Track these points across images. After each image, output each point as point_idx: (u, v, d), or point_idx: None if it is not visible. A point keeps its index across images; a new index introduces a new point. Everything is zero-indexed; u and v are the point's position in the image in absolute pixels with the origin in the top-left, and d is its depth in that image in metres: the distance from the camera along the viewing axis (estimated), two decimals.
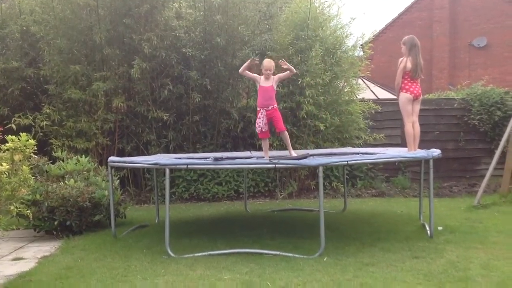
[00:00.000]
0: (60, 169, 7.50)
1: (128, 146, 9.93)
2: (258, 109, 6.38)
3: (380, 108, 10.65)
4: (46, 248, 6.12)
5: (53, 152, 8.28)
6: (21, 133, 4.32)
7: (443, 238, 5.70)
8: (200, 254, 5.24)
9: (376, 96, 17.10)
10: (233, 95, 9.78)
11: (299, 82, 9.46)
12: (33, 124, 9.28)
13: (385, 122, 11.20)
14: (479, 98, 10.93)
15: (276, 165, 5.01)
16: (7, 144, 4.23)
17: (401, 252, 5.10)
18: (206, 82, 9.50)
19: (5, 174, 3.97)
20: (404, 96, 6.52)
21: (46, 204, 6.60)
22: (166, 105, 9.78)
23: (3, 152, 4.17)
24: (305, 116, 9.54)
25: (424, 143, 11.31)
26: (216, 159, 5.08)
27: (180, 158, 7.41)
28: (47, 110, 9.37)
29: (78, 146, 9.46)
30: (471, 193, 9.96)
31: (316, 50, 9.42)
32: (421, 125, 11.15)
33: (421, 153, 5.51)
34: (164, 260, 5.11)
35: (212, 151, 9.99)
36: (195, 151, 9.99)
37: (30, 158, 4.73)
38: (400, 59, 6.53)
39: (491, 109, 10.78)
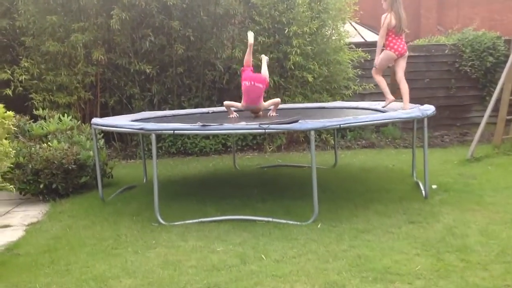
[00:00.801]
0: (42, 128, 7.26)
1: (111, 100, 9.65)
2: None
3: (369, 56, 10.37)
4: (33, 213, 5.97)
5: (34, 110, 7.96)
6: None
7: (438, 199, 5.62)
8: (191, 221, 5.11)
9: (365, 40, 16.79)
10: (217, 45, 9.42)
11: (286, 32, 9.13)
12: (11, 78, 8.94)
13: None
14: (471, 43, 10.69)
15: (266, 130, 4.82)
16: None
17: (396, 216, 5.02)
18: (189, 33, 9.12)
19: None
20: (387, 54, 6.26)
21: (30, 166, 6.39)
22: (148, 57, 9.44)
23: None
24: (293, 67, 9.28)
25: (414, 91, 11.12)
26: (203, 125, 4.85)
27: (166, 116, 7.22)
28: (26, 64, 9.01)
29: (59, 100, 9.18)
30: (463, 142, 9.92)
31: None
32: (411, 72, 11.11)
33: (415, 112, 5.33)
34: (155, 229, 4.98)
35: (197, 103, 9.76)
36: (180, 104, 9.75)
37: (9, 132, 4.48)
38: (383, 15, 6.20)
39: (483, 55, 10.58)
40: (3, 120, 3.96)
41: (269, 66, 9.41)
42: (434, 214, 5.04)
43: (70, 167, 6.51)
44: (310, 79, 9.22)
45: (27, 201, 6.57)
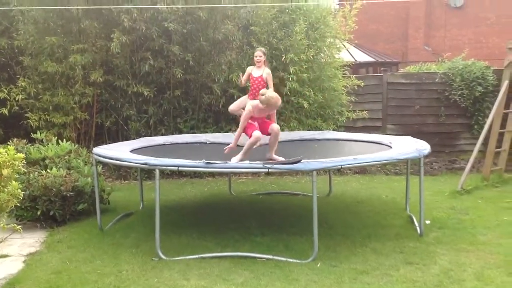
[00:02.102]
0: (40, 152, 7.29)
1: (107, 120, 9.69)
2: None
3: (362, 83, 10.55)
4: (30, 241, 5.99)
5: (31, 133, 7.98)
6: (8, 147, 4.09)
7: (433, 236, 5.76)
8: (192, 257, 5.18)
9: (354, 58, 16.99)
10: (215, 70, 9.53)
11: (283, 58, 9.27)
12: (8, 97, 8.96)
13: (367, 96, 11.14)
14: (461, 73, 10.90)
15: (270, 170, 4.92)
16: None
17: (394, 255, 5.14)
18: (188, 57, 9.22)
19: None
20: None
21: (28, 193, 6.41)
22: (146, 80, 9.51)
23: None
24: (289, 93, 9.42)
25: (405, 117, 11.42)
26: (208, 162, 4.94)
27: (164, 144, 7.29)
28: (23, 83, 9.05)
29: (55, 120, 9.23)
30: (452, 170, 10.12)
31: (300, 25, 9.20)
32: (402, 99, 11.32)
33: (413, 152, 5.47)
34: (156, 264, 5.04)
35: (193, 126, 9.87)
36: (176, 126, 9.84)
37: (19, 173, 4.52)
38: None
39: (472, 85, 10.78)
40: (13, 161, 4.00)
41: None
42: (430, 254, 5.16)
43: (68, 194, 6.55)
44: (306, 105, 9.37)
45: (23, 228, 6.52)
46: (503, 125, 9.39)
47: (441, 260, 5.00)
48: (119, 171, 9.76)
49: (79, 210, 6.76)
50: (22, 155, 4.07)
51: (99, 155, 5.86)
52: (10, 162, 4.01)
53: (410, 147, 5.87)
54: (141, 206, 7.39)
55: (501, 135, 9.31)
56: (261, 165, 4.93)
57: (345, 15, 10.24)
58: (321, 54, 9.90)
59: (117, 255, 5.35)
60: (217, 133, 8.95)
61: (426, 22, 25.69)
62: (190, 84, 9.80)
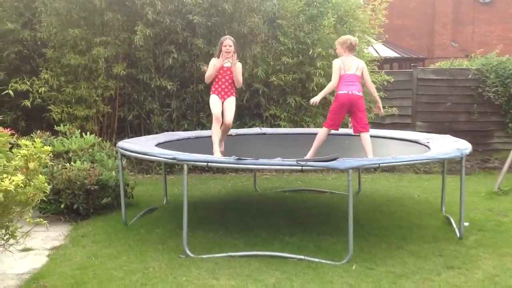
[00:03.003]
0: (63, 145, 7.15)
1: (130, 114, 9.54)
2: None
3: (392, 79, 10.24)
4: (54, 235, 5.83)
5: (54, 125, 7.85)
6: (36, 139, 3.91)
7: (473, 239, 5.46)
8: (219, 255, 4.96)
9: (377, 53, 16.66)
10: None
11: (310, 53, 9.01)
12: (30, 89, 8.84)
13: (396, 92, 10.84)
14: (495, 69, 10.56)
15: (303, 167, 4.68)
16: (20, 151, 3.83)
17: (433, 259, 4.86)
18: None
19: (21, 186, 3.60)
20: None
21: (51, 186, 6.25)
22: (170, 73, 9.33)
23: (17, 160, 3.77)
24: (316, 89, 9.15)
25: (436, 115, 11.09)
26: (238, 158, 4.72)
27: (189, 138, 7.09)
28: (45, 76, 8.92)
29: (77, 113, 9.10)
30: (485, 169, 9.79)
31: (328, 18, 8.93)
32: (433, 95, 10.98)
33: (454, 152, 5.18)
34: (183, 262, 4.83)
35: None
36: (199, 120, 9.64)
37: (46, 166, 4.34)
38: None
39: (507, 82, 10.45)
40: (40, 154, 3.82)
41: (291, 86, 9.39)
42: (472, 258, 4.87)
43: (92, 188, 6.39)
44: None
45: (47, 220, 6.41)
46: None
47: (484, 264, 4.71)
48: (141, 165, 9.60)
49: (103, 204, 6.60)
50: (49, 148, 3.89)
51: (125, 149, 5.67)
52: (37, 155, 3.83)
53: (450, 146, 5.57)
54: (164, 201, 7.21)
55: None
56: (294, 162, 4.69)
57: (375, 8, 9.93)
58: None
59: (143, 251, 5.15)
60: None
61: (453, 18, 25.17)
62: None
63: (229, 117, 5.92)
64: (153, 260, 4.93)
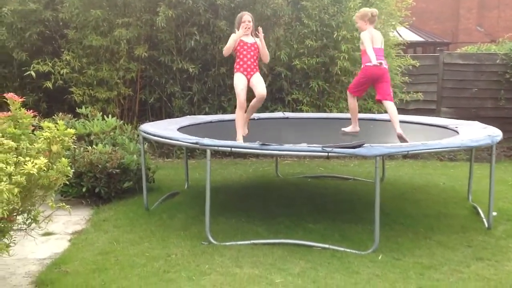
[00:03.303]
0: (85, 127, 7.11)
1: (151, 97, 9.47)
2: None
3: (418, 63, 10.00)
4: (75, 219, 5.80)
5: (76, 107, 7.81)
6: (59, 121, 3.85)
7: (502, 229, 5.32)
8: (242, 242, 4.89)
9: (401, 37, 16.31)
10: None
11: (334, 36, 8.82)
12: (52, 71, 8.80)
13: (421, 77, 10.60)
14: None
15: (329, 154, 4.55)
16: (43, 133, 3.77)
17: (461, 250, 4.73)
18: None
19: (43, 169, 3.54)
20: None
21: (73, 169, 6.22)
22: (191, 56, 9.22)
23: (40, 143, 3.71)
24: (339, 72, 8.97)
25: (462, 100, 10.84)
26: (263, 144, 4.61)
27: (211, 122, 7.00)
28: (67, 57, 8.86)
29: (99, 95, 9.06)
30: (510, 157, 9.52)
31: (355, 0, 8.71)
32: (459, 81, 10.73)
33: (485, 139, 5.01)
34: (206, 249, 4.76)
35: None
36: (220, 104, 9.54)
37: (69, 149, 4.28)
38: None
39: None
40: (63, 137, 3.75)
41: (314, 70, 9.21)
42: (501, 250, 4.74)
43: (113, 171, 6.35)
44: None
45: (68, 204, 6.38)
46: None
47: None
48: (162, 149, 9.55)
49: (124, 188, 6.56)
50: (72, 131, 3.83)
51: (147, 133, 5.60)
52: (60, 138, 3.76)
53: (480, 133, 5.40)
54: (186, 185, 7.16)
55: None
56: (320, 149, 4.57)
57: None
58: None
59: (165, 238, 5.10)
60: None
61: (479, 2, 24.57)
62: None
63: (262, 89, 5.61)
64: (175, 246, 4.87)
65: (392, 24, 9.58)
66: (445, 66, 10.70)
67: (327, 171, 8.44)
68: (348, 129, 6.29)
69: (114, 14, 8.89)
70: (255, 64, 5.71)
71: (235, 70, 5.79)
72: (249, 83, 5.67)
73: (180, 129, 6.08)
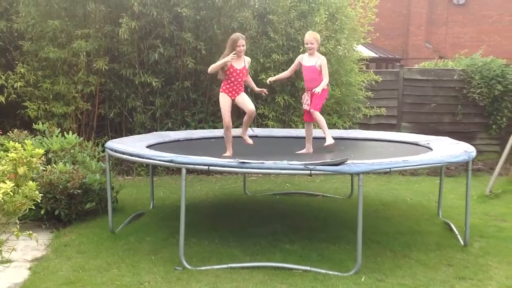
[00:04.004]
0: (43, 145, 6.71)
1: (111, 112, 9.10)
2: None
3: (380, 78, 10.07)
4: (34, 244, 5.33)
5: (32, 124, 7.39)
6: (26, 141, 3.54)
7: (478, 246, 5.31)
8: (219, 266, 4.66)
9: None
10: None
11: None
12: (5, 84, 8.34)
13: (381, 92, 10.67)
14: (480, 70, 10.49)
15: (312, 171, 4.41)
16: (9, 154, 3.45)
17: (442, 269, 4.67)
18: (200, 46, 8.66)
19: (9, 194, 3.23)
20: None
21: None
22: (155, 69, 8.94)
23: (5, 165, 3.39)
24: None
25: (420, 115, 10.98)
26: (242, 162, 4.42)
27: (179, 140, 6.74)
28: (21, 70, 8.41)
29: (55, 110, 8.62)
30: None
31: (320, 15, 8.69)
32: (418, 96, 10.87)
33: (462, 155, 5.00)
34: (180, 275, 4.50)
35: (201, 119, 9.35)
36: (183, 119, 9.30)
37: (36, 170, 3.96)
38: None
39: (492, 83, 10.39)
40: (30, 158, 3.45)
41: (280, 85, 9.11)
42: (482, 268, 4.70)
43: (75, 192, 6.00)
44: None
45: (25, 228, 5.97)
46: None
47: (496, 275, 4.54)
48: (121, 166, 9.17)
49: (86, 209, 6.22)
50: (41, 151, 3.52)
51: (115, 150, 5.29)
52: (27, 159, 3.46)
53: (454, 148, 5.39)
54: (151, 205, 6.85)
55: None
56: (302, 166, 4.42)
57: (365, 5, 9.74)
58: (339, 46, 9.38)
59: (135, 263, 4.81)
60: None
61: (428, 19, 25.28)
62: (201, 75, 9.24)
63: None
64: (147, 273, 4.60)
65: (356, 39, 9.60)
66: (405, 82, 10.83)
67: (294, 187, 8.32)
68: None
69: (73, 25, 8.53)
70: (240, 87, 5.79)
71: (221, 90, 5.87)
72: (233, 101, 5.79)
73: (150, 147, 5.81)
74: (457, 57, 11.78)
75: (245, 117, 5.87)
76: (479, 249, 5.24)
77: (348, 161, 4.53)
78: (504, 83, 10.40)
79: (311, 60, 6.07)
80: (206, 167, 4.58)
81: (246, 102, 5.76)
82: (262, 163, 4.47)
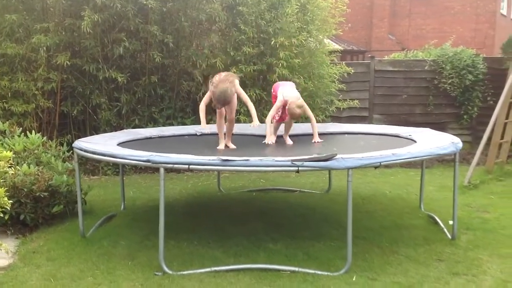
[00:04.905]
0: (4, 146, 6.26)
1: (74, 109, 8.65)
2: None
3: (352, 70, 9.92)
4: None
5: None
6: None
7: (465, 239, 5.18)
8: (202, 270, 4.38)
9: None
10: (197, 54, 8.66)
11: (272, 42, 8.50)
12: None
13: (353, 84, 10.52)
14: (451, 60, 10.46)
15: (300, 168, 4.18)
16: None
17: (434, 264, 4.51)
18: (168, 39, 8.31)
19: None
20: None
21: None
22: (119, 64, 8.53)
23: None
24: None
25: (392, 107, 10.91)
26: (225, 159, 4.14)
27: (151, 138, 6.41)
28: None
29: (14, 109, 8.13)
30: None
31: (291, 6, 8.46)
32: (389, 87, 10.78)
33: (450, 147, 4.85)
34: (161, 281, 4.21)
35: (169, 115, 9.02)
36: (151, 115, 8.94)
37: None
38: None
39: (463, 73, 10.37)
40: None
41: (251, 78, 8.84)
42: (473, 263, 4.55)
43: (41, 195, 5.60)
44: None
45: None
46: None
47: (490, 269, 4.40)
48: (86, 165, 8.74)
49: (53, 213, 5.82)
50: (9, 154, 3.17)
51: (85, 150, 4.93)
52: None
53: (440, 140, 5.24)
54: (122, 206, 6.50)
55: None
56: (289, 163, 4.17)
57: None
58: (311, 39, 9.17)
59: (111, 270, 4.48)
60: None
61: (391, 11, 25.44)
62: (168, 70, 8.90)
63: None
64: (125, 279, 4.28)
65: (326, 31, 9.41)
66: (376, 73, 10.72)
67: (269, 183, 8.08)
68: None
69: (31, 19, 8.05)
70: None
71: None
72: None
73: (120, 144, 5.47)
74: (427, 48, 11.76)
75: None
76: (467, 242, 5.12)
77: (337, 156, 4.32)
78: (474, 72, 10.41)
79: None
80: (187, 166, 4.29)
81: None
82: (247, 160, 4.21)
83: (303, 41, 8.60)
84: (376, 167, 4.62)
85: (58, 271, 4.48)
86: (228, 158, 4.15)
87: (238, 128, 6.61)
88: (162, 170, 4.32)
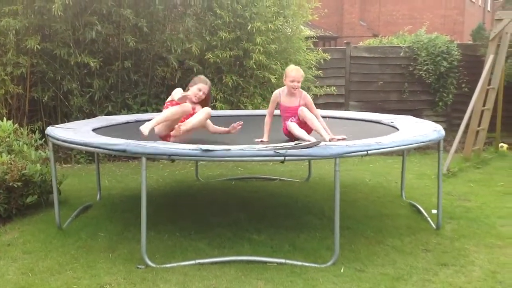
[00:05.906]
0: None
1: (45, 95, 8.35)
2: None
3: (329, 56, 9.84)
4: None
5: None
6: None
7: (450, 229, 5.17)
8: (186, 263, 4.25)
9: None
10: (171, 38, 8.43)
11: (249, 28, 8.34)
12: None
13: (329, 71, 10.45)
14: (426, 47, 10.48)
15: (286, 157, 4.07)
16: None
17: (421, 255, 4.47)
18: (141, 23, 8.06)
19: None
20: None
21: None
22: (91, 49, 8.25)
23: None
24: (254, 67, 8.51)
25: (368, 94, 10.89)
26: (206, 150, 3.99)
27: (128, 122, 6.23)
28: None
29: None
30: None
31: None
32: (365, 74, 10.75)
33: (434, 134, 4.81)
34: (144, 275, 4.06)
35: (144, 102, 8.81)
36: (124, 102, 8.71)
37: None
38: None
39: (437, 59, 10.41)
40: None
41: (227, 64, 8.67)
42: (460, 253, 4.52)
43: (14, 185, 5.37)
44: (274, 80, 8.49)
45: None
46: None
47: (478, 259, 4.38)
48: (58, 153, 8.45)
49: (27, 203, 5.60)
50: None
51: (58, 138, 4.71)
52: None
53: (422, 128, 5.20)
54: (98, 196, 6.30)
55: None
56: (273, 152, 4.05)
57: None
58: (286, 24, 9.04)
59: (91, 263, 4.32)
60: None
61: None
62: (142, 55, 8.65)
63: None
64: (106, 273, 4.12)
65: (303, 16, 9.28)
66: (352, 60, 10.68)
67: (247, 171, 7.97)
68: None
69: None
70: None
71: None
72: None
73: (95, 131, 5.26)
74: (401, 34, 11.76)
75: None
76: (452, 231, 5.10)
77: (322, 143, 4.23)
78: (449, 59, 10.45)
79: (293, 100, 5.10)
80: (167, 156, 4.12)
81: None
82: (228, 150, 4.06)
83: (279, 26, 8.47)
84: (362, 156, 4.50)
85: (36, 265, 4.29)
86: (208, 148, 4.00)
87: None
88: (144, 159, 4.14)
